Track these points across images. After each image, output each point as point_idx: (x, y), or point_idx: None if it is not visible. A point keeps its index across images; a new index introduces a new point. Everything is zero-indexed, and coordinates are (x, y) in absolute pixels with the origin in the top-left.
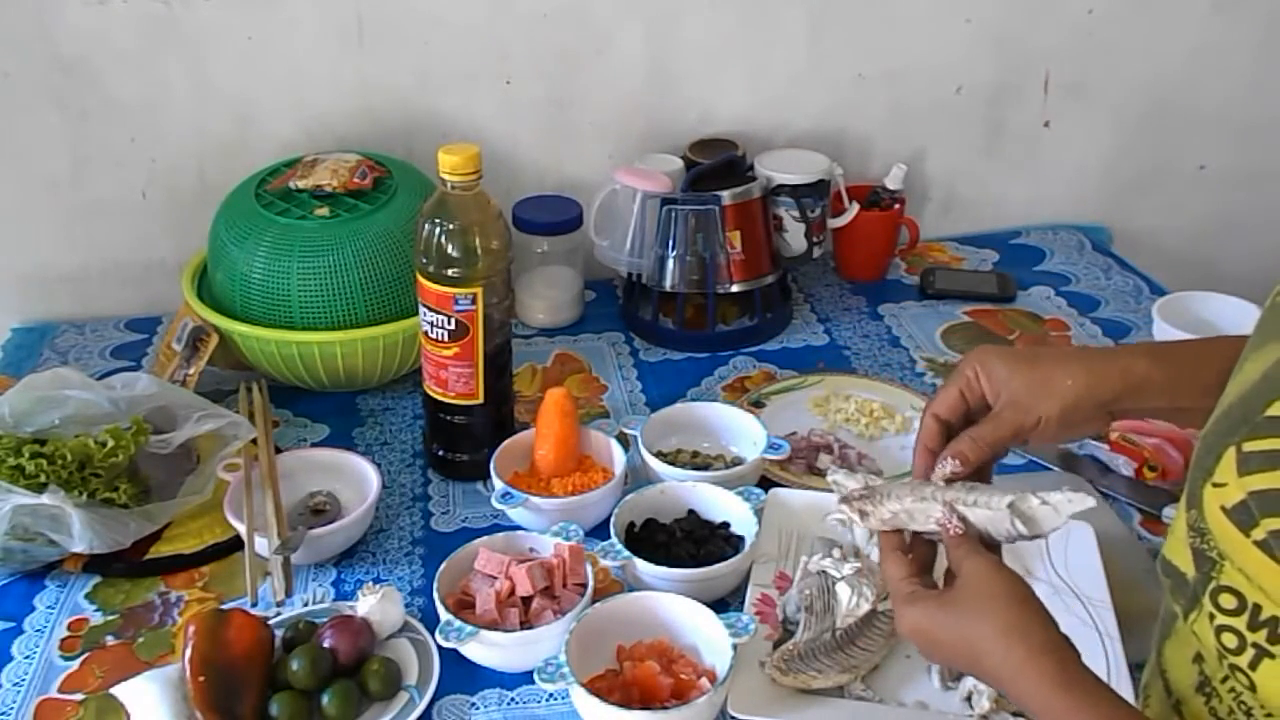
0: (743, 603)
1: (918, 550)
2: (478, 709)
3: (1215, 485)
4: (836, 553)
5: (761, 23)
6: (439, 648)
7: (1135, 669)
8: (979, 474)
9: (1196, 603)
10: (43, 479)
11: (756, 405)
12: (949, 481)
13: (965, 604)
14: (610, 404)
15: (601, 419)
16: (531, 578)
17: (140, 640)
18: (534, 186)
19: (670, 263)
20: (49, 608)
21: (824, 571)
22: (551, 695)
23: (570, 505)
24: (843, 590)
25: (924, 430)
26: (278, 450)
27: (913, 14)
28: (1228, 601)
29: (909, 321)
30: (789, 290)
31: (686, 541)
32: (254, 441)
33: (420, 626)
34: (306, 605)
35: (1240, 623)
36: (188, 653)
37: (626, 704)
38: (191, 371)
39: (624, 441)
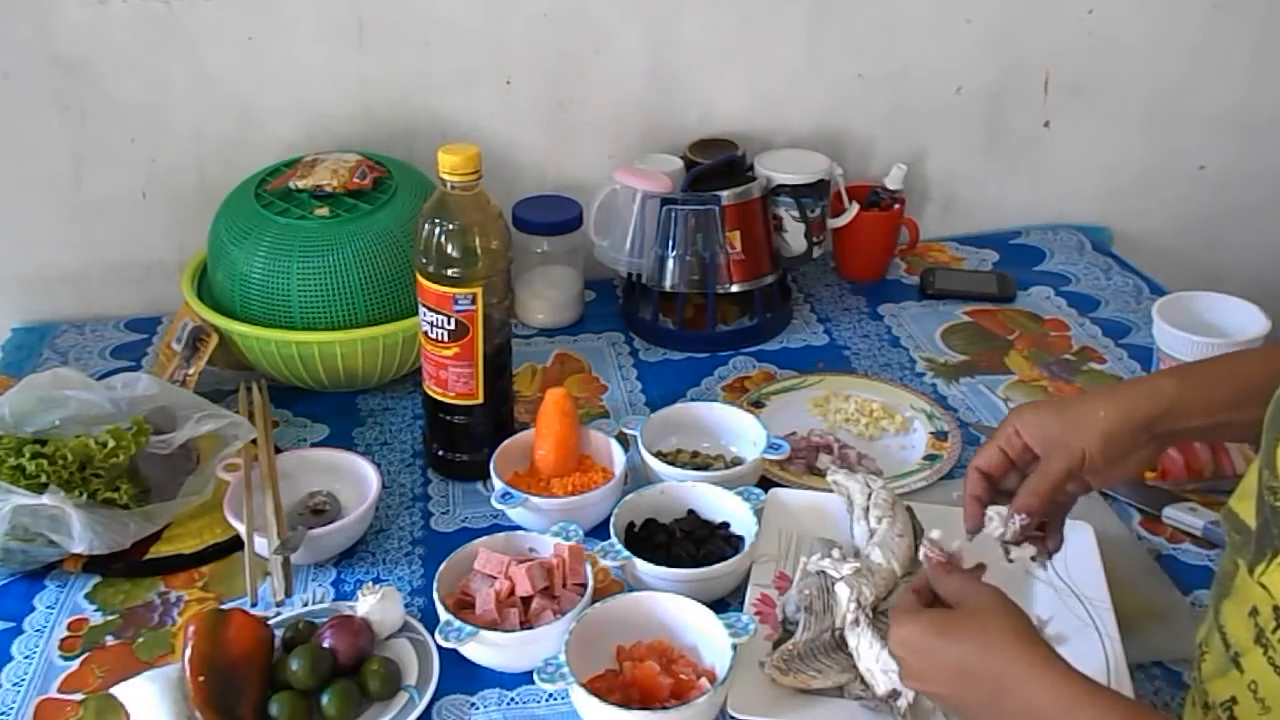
0: (743, 603)
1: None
2: (478, 709)
3: None
4: (836, 553)
5: (761, 23)
6: (439, 648)
7: (1135, 669)
8: (1049, 524)
9: (1273, 552)
10: (43, 479)
11: (756, 405)
12: (1021, 532)
13: (976, 615)
14: (610, 404)
15: (601, 419)
16: (531, 578)
17: (140, 640)
18: (534, 186)
19: (670, 263)
20: (49, 608)
21: (823, 571)
22: (551, 695)
23: (570, 505)
24: (842, 590)
25: (969, 482)
26: (278, 450)
27: (913, 14)
28: None
29: (909, 321)
30: (789, 290)
31: (686, 541)
32: (254, 441)
33: (420, 626)
34: (306, 605)
35: None
36: (188, 653)
37: (626, 704)
38: (191, 371)
39: (624, 441)
